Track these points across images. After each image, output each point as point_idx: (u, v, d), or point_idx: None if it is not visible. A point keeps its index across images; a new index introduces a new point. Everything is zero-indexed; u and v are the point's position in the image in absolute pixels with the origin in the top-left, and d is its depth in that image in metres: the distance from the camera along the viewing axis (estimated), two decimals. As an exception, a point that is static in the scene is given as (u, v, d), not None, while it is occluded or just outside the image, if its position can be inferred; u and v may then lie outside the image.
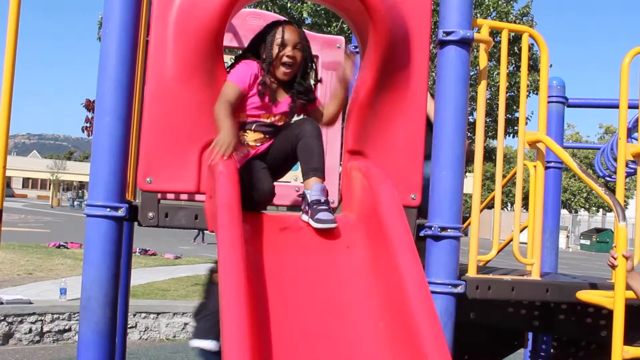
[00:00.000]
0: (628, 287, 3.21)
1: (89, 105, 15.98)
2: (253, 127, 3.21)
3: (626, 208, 3.91)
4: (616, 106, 3.99)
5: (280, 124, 3.24)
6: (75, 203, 59.14)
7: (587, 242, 42.57)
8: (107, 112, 3.17)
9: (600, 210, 54.14)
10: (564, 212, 52.31)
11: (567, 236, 42.66)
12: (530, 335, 5.12)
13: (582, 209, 54.75)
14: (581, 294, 3.43)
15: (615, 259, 3.14)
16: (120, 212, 3.14)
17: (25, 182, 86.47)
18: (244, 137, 3.20)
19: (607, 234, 40.31)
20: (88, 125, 16.08)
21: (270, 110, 3.21)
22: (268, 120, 3.22)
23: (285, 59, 3.18)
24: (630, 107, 3.98)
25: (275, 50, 3.18)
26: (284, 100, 3.24)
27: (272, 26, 3.25)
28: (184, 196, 3.64)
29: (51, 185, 69.11)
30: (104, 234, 3.13)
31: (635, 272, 3.21)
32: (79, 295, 3.23)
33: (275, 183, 3.20)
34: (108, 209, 3.12)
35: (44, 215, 39.53)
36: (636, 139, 4.36)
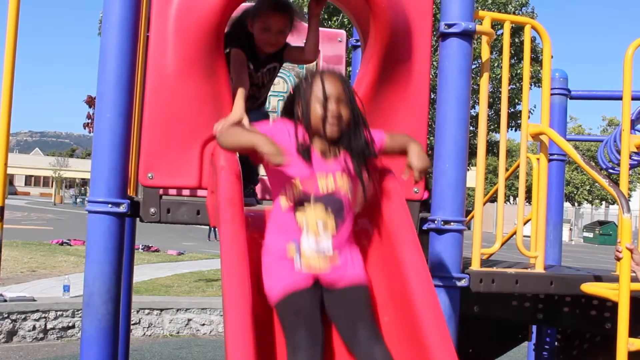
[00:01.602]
0: (636, 280, 3.19)
1: (91, 102, 15.93)
2: None
3: (630, 200, 3.91)
4: (619, 98, 3.97)
5: None
6: (78, 200, 59.16)
7: (590, 235, 42.54)
8: (108, 108, 3.16)
9: (603, 202, 54.07)
10: (567, 205, 52.23)
11: (570, 229, 42.65)
12: (534, 328, 5.11)
13: (585, 201, 54.68)
14: (586, 287, 3.42)
15: (620, 252, 3.12)
16: (122, 208, 3.13)
17: (28, 180, 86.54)
18: None
19: (610, 226, 40.26)
20: (89, 121, 16.05)
21: None
22: None
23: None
24: (634, 98, 3.96)
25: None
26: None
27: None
28: (185, 192, 3.63)
29: (54, 183, 69.14)
30: (106, 230, 3.12)
31: None
32: (82, 292, 3.23)
33: None
34: (110, 205, 3.11)
35: (46, 213, 39.57)
36: (639, 131, 4.34)
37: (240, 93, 3.19)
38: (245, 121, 3.06)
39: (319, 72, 2.65)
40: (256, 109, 3.43)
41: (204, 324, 9.43)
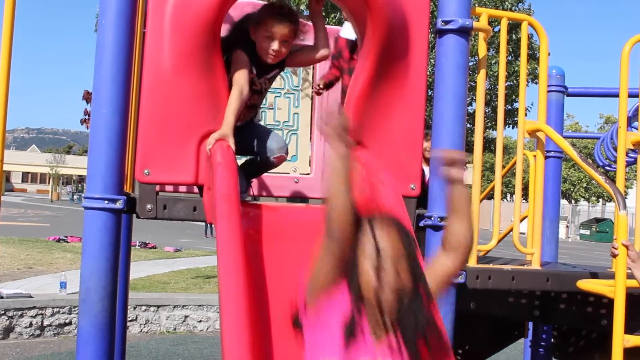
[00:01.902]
0: (631, 277, 3.20)
1: (88, 97, 15.90)
2: None
3: (627, 197, 3.91)
4: (616, 95, 3.98)
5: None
6: (75, 197, 59.14)
7: (587, 232, 42.61)
8: (104, 105, 3.15)
9: (600, 200, 54.18)
10: (563, 202, 52.33)
11: (567, 226, 42.69)
12: (530, 324, 5.11)
13: (582, 199, 54.77)
14: (582, 283, 3.43)
15: (616, 248, 3.13)
16: (119, 205, 3.12)
17: (25, 177, 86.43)
18: None
19: (606, 223, 40.34)
20: (87, 117, 16.02)
21: None
22: None
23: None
24: (631, 95, 3.97)
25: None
26: None
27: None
28: (182, 188, 3.63)
29: (50, 179, 69.07)
30: (102, 226, 3.12)
31: None
32: (79, 288, 3.22)
33: (273, 174, 3.22)
34: (106, 201, 3.10)
35: (43, 210, 39.53)
36: (636, 128, 4.34)
37: (233, 107, 3.11)
38: (231, 141, 3.03)
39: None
40: (251, 119, 3.43)
41: (200, 321, 9.43)
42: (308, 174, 4.57)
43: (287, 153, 3.37)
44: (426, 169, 4.06)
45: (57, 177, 67.95)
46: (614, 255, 3.15)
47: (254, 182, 3.54)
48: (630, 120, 4.85)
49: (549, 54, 3.90)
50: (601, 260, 20.96)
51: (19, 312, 8.24)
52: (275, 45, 3.18)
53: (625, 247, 3.11)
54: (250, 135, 3.30)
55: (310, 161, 4.65)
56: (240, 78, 3.17)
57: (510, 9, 20.93)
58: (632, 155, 4.49)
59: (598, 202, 54.96)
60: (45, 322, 8.43)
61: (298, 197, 3.37)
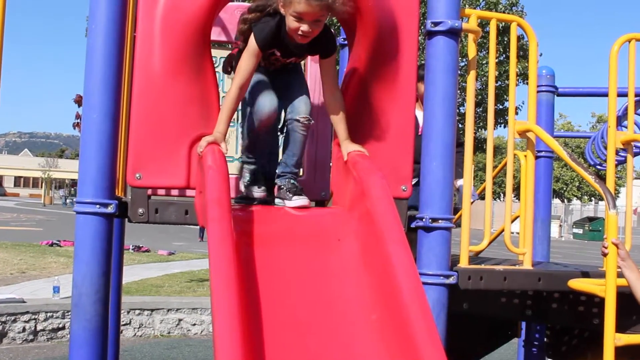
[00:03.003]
0: (622, 276, 3.21)
1: (80, 101, 15.85)
2: None
3: (617, 196, 3.93)
4: (606, 94, 3.99)
5: None
6: (68, 201, 58.98)
7: (580, 231, 42.73)
8: (95, 109, 3.15)
9: (593, 199, 54.36)
10: (556, 201, 52.51)
11: (560, 225, 42.81)
12: (523, 324, 5.13)
13: (575, 198, 54.94)
14: (573, 283, 3.44)
15: (606, 247, 3.14)
16: (110, 209, 3.12)
17: (17, 181, 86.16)
18: None
19: (599, 222, 40.45)
20: (78, 121, 15.96)
21: None
22: None
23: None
24: (620, 94, 3.98)
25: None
26: None
27: None
28: (175, 191, 3.62)
29: (43, 184, 68.87)
30: (94, 230, 3.12)
31: (630, 261, 3.21)
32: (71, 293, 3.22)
33: None
34: (98, 206, 3.10)
35: (36, 214, 39.39)
36: (626, 127, 4.36)
37: (225, 109, 3.08)
38: (222, 145, 3.01)
39: None
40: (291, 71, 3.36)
41: (195, 324, 9.42)
42: (300, 175, 4.57)
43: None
44: (419, 115, 4.01)
45: (49, 181, 67.78)
46: (605, 254, 3.16)
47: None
48: (620, 120, 4.87)
49: (541, 55, 3.92)
50: (594, 258, 21.01)
51: (12, 317, 8.22)
52: (305, 27, 2.98)
53: (615, 246, 3.12)
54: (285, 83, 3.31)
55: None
56: (241, 69, 3.09)
57: (504, 12, 21.02)
58: (622, 154, 4.51)
59: (591, 201, 55.16)
60: (39, 327, 8.41)
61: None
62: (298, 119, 3.23)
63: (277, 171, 3.29)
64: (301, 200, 3.13)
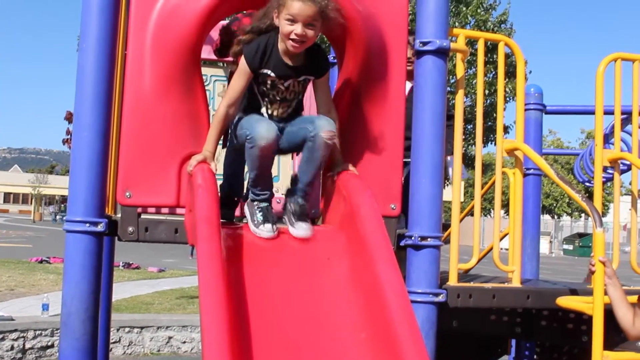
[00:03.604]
0: (607, 293, 3.23)
1: (70, 118, 15.85)
2: None
3: (606, 213, 3.96)
4: (593, 112, 4.03)
5: None
6: (58, 217, 58.66)
7: (570, 247, 42.84)
8: (85, 127, 3.16)
9: (583, 215, 54.52)
10: (546, 217, 52.63)
11: (550, 241, 42.89)
12: (513, 342, 5.14)
13: (565, 214, 55.10)
14: (561, 300, 3.46)
15: (593, 265, 3.16)
16: (100, 227, 3.12)
17: (7, 197, 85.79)
18: None
19: (589, 238, 40.52)
20: (69, 137, 15.95)
21: None
22: None
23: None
24: (607, 113, 4.02)
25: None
26: None
27: None
28: (165, 210, 3.63)
29: (33, 200, 68.54)
30: (84, 249, 3.12)
31: (615, 279, 3.23)
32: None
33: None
34: (87, 224, 3.10)
35: (25, 230, 39.14)
36: (613, 144, 4.40)
37: (213, 130, 3.05)
38: (212, 165, 3.01)
39: None
40: (288, 118, 3.17)
41: (185, 342, 9.36)
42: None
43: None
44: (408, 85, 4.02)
45: (39, 197, 67.45)
46: (592, 272, 3.18)
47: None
48: (608, 137, 4.92)
49: (530, 72, 3.96)
50: (584, 275, 21.04)
51: (0, 335, 8.14)
52: (298, 29, 2.84)
53: (602, 264, 3.14)
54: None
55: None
56: (230, 88, 3.08)
57: (493, 30, 21.18)
58: (610, 171, 4.54)
59: (581, 217, 55.32)
60: (27, 345, 8.33)
61: (280, 218, 3.37)
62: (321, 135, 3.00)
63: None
64: (304, 232, 2.97)
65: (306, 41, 2.97)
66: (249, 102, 3.17)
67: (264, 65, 3.07)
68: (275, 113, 3.17)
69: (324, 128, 2.99)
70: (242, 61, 3.08)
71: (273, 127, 3.00)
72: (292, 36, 2.90)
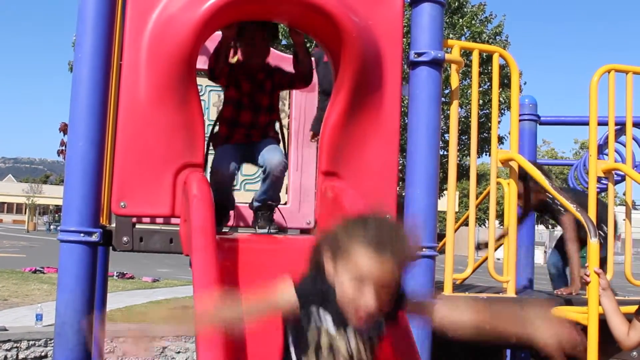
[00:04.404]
0: (601, 304, 3.24)
1: (65, 129, 15.83)
2: None
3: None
4: (587, 123, 4.05)
5: None
6: (52, 227, 58.38)
7: (565, 258, 42.82)
8: (80, 137, 3.16)
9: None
10: (541, 227, 52.66)
11: (545, 251, 42.88)
12: (508, 352, 5.14)
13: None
14: (556, 311, 3.46)
15: (588, 275, 3.17)
16: (94, 237, 3.12)
17: (1, 207, 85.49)
18: None
19: (584, 248, 40.54)
20: (63, 148, 15.93)
21: None
22: None
23: None
24: (600, 124, 4.04)
25: None
26: None
27: None
28: (160, 219, 3.63)
29: (27, 210, 68.32)
30: (78, 259, 3.11)
31: (609, 291, 3.23)
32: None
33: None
34: (82, 234, 3.10)
35: (19, 240, 38.97)
36: (607, 155, 4.42)
37: None
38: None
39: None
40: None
41: (179, 352, 9.32)
42: (285, 203, 4.58)
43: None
44: None
45: (33, 207, 67.24)
46: (587, 283, 3.19)
47: (231, 213, 3.54)
48: (601, 148, 4.94)
49: (525, 83, 3.98)
50: (579, 285, 21.04)
51: (-6, 346, 8.11)
52: (369, 298, 1.84)
53: (597, 275, 3.15)
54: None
55: (287, 191, 4.66)
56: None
57: (488, 42, 21.25)
58: (604, 182, 4.56)
59: (575, 227, 55.29)
60: (21, 356, 8.28)
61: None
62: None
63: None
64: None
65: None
66: None
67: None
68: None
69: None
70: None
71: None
72: (361, 310, 1.90)
